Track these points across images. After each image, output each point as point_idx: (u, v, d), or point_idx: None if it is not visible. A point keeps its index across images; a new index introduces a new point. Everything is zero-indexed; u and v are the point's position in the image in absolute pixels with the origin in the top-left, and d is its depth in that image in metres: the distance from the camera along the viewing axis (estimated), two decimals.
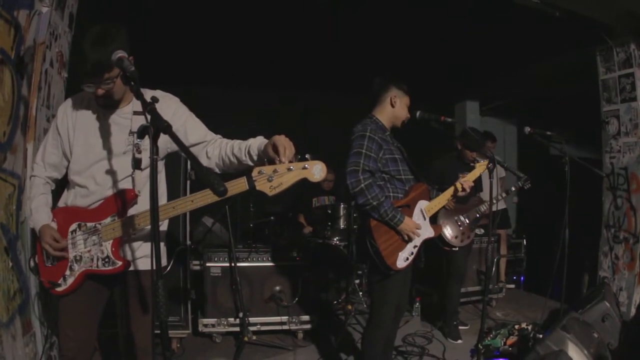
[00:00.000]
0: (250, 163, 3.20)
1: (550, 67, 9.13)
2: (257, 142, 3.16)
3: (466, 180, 4.92)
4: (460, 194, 4.97)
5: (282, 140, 2.93)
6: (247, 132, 3.32)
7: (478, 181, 6.49)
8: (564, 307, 5.86)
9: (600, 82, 7.54)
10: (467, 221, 6.52)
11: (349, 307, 7.32)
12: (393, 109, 4.70)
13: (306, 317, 6.70)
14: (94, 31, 2.98)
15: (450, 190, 4.94)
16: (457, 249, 6.75)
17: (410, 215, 4.58)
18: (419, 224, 4.60)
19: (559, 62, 8.78)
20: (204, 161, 3.41)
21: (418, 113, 4.63)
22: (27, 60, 4.10)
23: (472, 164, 6.43)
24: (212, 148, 3.41)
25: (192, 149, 3.36)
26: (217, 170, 3.43)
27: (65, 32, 4.78)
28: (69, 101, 3.44)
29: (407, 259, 4.51)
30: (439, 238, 6.53)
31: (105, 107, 3.26)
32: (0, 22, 3.58)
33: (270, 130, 3.14)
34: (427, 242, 4.76)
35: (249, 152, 3.18)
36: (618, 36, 7.12)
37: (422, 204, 4.73)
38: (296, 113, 10.77)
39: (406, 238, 4.49)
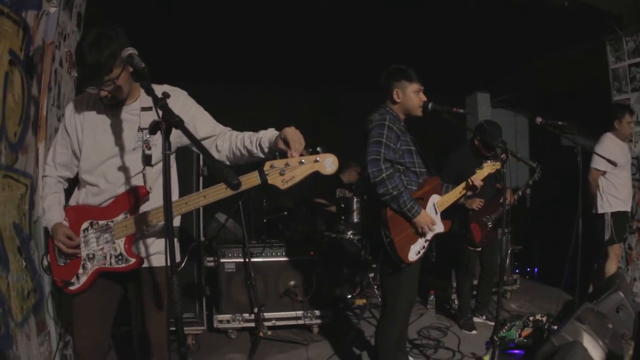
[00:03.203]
0: (262, 155, 3.20)
1: (561, 57, 9.09)
2: (268, 135, 3.15)
3: (475, 178, 4.88)
4: (468, 193, 4.94)
5: (292, 133, 2.93)
6: (256, 127, 3.31)
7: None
8: (578, 298, 5.84)
9: (611, 71, 7.51)
10: (493, 222, 6.50)
11: (363, 301, 7.32)
12: (399, 102, 4.68)
13: (321, 312, 6.71)
14: (91, 34, 2.98)
15: (462, 186, 4.91)
16: (480, 249, 6.74)
17: (424, 209, 4.56)
18: (434, 219, 4.60)
19: (569, 52, 8.75)
20: (214, 155, 3.38)
21: (430, 105, 4.59)
22: (37, 61, 4.11)
23: (490, 157, 6.41)
24: (222, 141, 3.40)
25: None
26: (227, 163, 3.42)
27: (73, 32, 4.80)
28: (76, 100, 3.45)
29: (419, 252, 4.50)
30: (467, 239, 6.52)
31: (111, 107, 3.27)
32: (9, 23, 3.58)
33: (279, 124, 3.13)
34: (439, 236, 4.75)
35: (260, 145, 3.17)
36: (627, 25, 7.08)
37: (435, 198, 4.71)
38: (306, 108, 10.73)
39: (420, 231, 4.48)
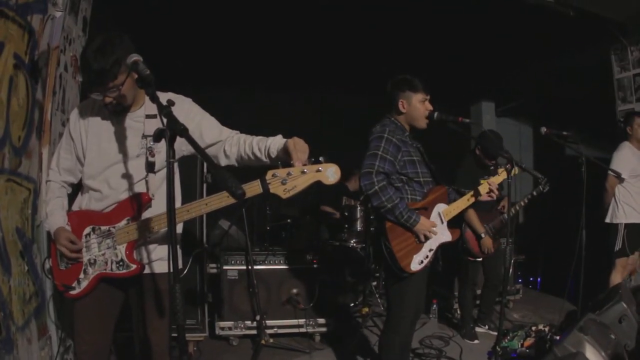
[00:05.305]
0: (270, 163, 3.20)
1: (565, 67, 9.08)
2: (277, 143, 3.13)
3: (492, 182, 4.82)
4: (484, 197, 4.88)
5: (297, 142, 2.93)
6: (258, 133, 3.31)
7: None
8: (580, 308, 5.82)
9: (615, 81, 7.49)
10: (492, 231, 6.46)
11: (366, 309, 7.30)
12: (405, 113, 4.67)
13: (323, 320, 6.68)
14: (96, 40, 2.98)
15: (469, 194, 4.88)
16: (480, 259, 6.70)
17: (428, 218, 4.54)
18: (435, 222, 4.57)
19: (573, 62, 8.73)
20: (223, 161, 3.39)
21: (436, 114, 4.57)
22: (42, 65, 4.12)
23: (492, 167, 6.38)
24: (230, 146, 3.37)
25: (209, 150, 3.35)
26: (236, 165, 3.40)
27: (79, 37, 4.81)
28: (81, 106, 3.45)
29: (422, 262, 4.46)
30: (465, 250, 6.51)
31: (116, 113, 3.26)
32: (14, 27, 3.59)
33: (285, 131, 3.13)
34: (444, 246, 4.73)
35: (268, 154, 3.17)
36: (632, 35, 7.08)
37: (440, 207, 4.68)
38: (309, 114, 10.73)
39: (422, 239, 4.45)
